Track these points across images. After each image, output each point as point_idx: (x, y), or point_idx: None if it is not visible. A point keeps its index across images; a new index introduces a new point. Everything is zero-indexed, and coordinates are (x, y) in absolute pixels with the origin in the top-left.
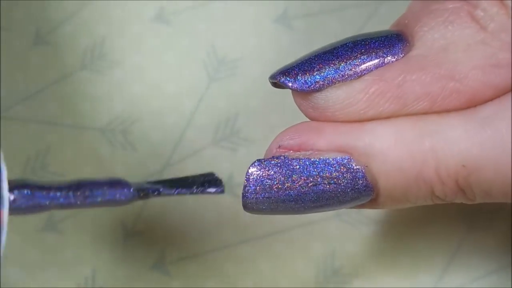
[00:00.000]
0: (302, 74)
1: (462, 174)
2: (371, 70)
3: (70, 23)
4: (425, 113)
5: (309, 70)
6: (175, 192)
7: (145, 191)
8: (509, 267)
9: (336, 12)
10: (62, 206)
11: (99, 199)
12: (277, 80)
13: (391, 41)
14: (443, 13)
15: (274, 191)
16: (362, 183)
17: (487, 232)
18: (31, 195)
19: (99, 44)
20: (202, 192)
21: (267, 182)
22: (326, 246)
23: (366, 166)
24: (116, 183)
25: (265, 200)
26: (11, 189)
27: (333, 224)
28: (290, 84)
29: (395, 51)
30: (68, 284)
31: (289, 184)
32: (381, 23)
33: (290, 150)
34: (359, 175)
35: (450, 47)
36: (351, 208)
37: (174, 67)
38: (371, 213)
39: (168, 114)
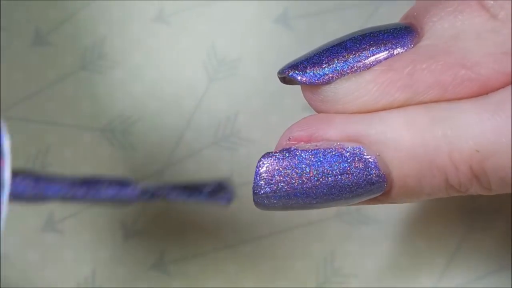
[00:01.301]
0: (311, 68)
1: (476, 159)
2: (381, 62)
3: (70, 23)
4: (437, 101)
5: (318, 63)
6: (182, 198)
7: (151, 193)
8: (509, 267)
9: (336, 12)
10: (64, 199)
11: (101, 195)
12: (286, 74)
13: (400, 33)
14: (453, 3)
15: (285, 184)
16: (374, 173)
17: (487, 232)
18: (35, 184)
19: (99, 44)
20: (211, 201)
21: (276, 175)
22: (326, 246)
23: (378, 155)
24: (121, 182)
25: (275, 194)
26: (14, 176)
27: (333, 224)
28: (299, 78)
29: (404, 42)
30: (68, 284)
31: (300, 177)
32: (381, 23)
33: (300, 141)
34: (372, 164)
35: (460, 36)
36: (364, 202)
37: (174, 67)
38: (371, 213)
39: (168, 114)
